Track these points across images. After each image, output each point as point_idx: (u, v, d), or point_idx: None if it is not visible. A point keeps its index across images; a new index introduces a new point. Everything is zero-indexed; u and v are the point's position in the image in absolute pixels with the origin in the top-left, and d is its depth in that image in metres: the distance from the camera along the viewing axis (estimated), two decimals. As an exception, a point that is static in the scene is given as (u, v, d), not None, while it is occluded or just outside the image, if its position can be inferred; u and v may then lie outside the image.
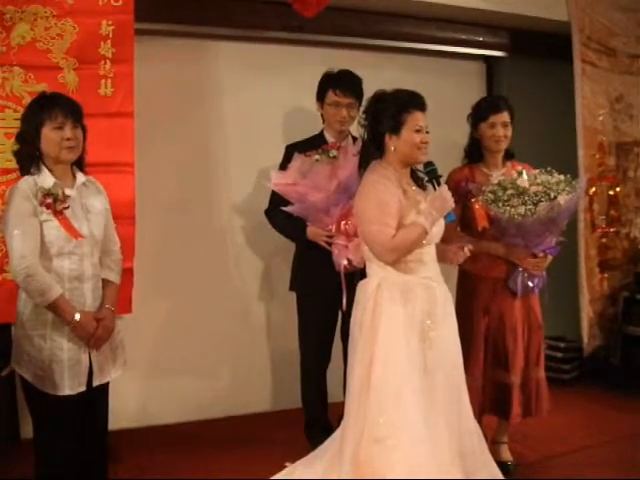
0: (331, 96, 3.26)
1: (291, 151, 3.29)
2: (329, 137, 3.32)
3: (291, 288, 3.45)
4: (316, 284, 3.27)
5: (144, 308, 3.39)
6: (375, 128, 2.67)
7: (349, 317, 2.76)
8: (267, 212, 3.40)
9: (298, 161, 3.08)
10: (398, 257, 2.57)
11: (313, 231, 3.16)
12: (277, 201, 3.21)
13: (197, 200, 3.92)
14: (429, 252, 2.66)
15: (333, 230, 3.07)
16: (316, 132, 3.39)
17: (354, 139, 3.27)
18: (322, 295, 3.26)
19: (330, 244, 3.10)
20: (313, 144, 3.26)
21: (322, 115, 3.37)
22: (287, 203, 3.14)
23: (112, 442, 2.69)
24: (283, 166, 3.27)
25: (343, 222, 3.05)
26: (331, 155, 3.04)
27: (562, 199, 2.80)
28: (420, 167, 2.74)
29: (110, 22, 3.11)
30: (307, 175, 3.04)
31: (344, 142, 3.23)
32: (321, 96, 3.31)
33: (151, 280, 3.51)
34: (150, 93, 3.44)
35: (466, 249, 2.73)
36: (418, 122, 2.60)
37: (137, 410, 3.77)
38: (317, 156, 3.05)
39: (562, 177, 2.90)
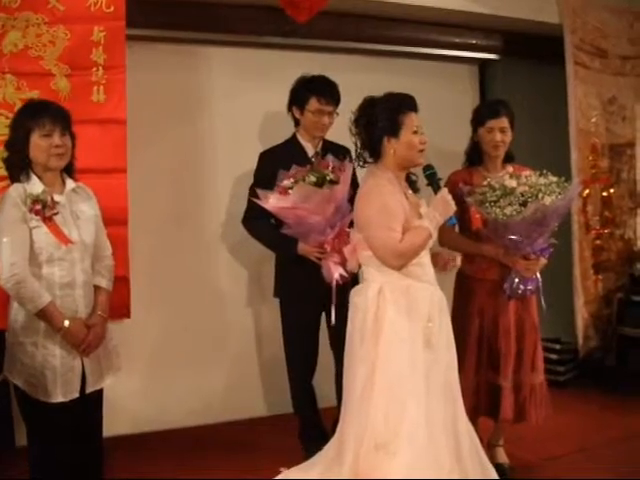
0: (314, 104, 3.24)
1: (265, 158, 3.31)
2: (303, 141, 3.33)
3: (275, 294, 3.45)
4: (299, 289, 3.26)
5: (137, 316, 3.39)
6: (371, 133, 2.63)
7: (342, 328, 2.71)
8: (244, 221, 3.37)
9: (301, 189, 2.95)
10: (406, 262, 2.53)
11: (305, 248, 3.13)
12: (256, 210, 3.14)
13: (189, 207, 3.92)
14: (426, 256, 2.65)
15: (329, 250, 3.04)
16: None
17: (325, 142, 3.32)
18: (305, 299, 3.25)
19: (320, 259, 3.09)
20: (288, 149, 3.29)
21: (296, 119, 3.35)
22: (266, 214, 3.09)
23: (107, 448, 2.68)
24: (259, 173, 3.28)
25: (336, 240, 3.03)
26: (328, 179, 2.98)
27: (548, 200, 2.78)
28: (414, 171, 2.73)
29: (102, 28, 3.12)
30: (306, 200, 2.97)
31: (327, 156, 3.13)
32: (301, 102, 3.29)
33: (143, 288, 3.50)
34: (142, 99, 3.43)
35: (458, 259, 2.71)
36: (414, 123, 2.58)
37: (130, 417, 3.75)
38: (312, 177, 2.98)
39: (555, 179, 2.89)
